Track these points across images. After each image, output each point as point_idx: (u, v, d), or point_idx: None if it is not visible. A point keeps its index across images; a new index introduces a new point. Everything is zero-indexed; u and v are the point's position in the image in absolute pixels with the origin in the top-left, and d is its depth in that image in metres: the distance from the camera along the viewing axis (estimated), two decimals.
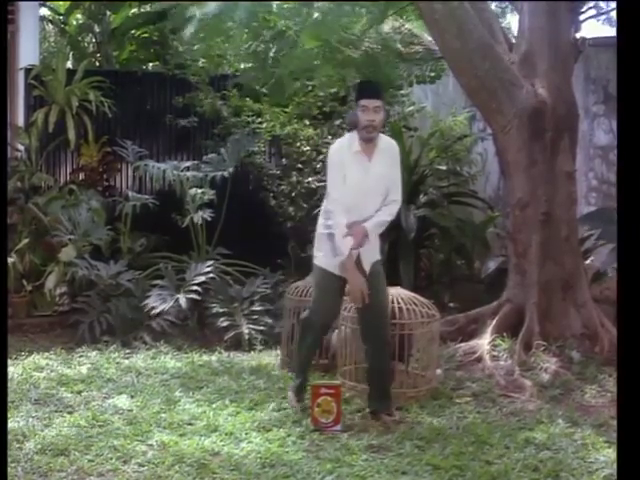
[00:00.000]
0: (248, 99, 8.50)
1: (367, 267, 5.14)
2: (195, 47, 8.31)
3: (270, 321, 6.95)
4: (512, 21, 8.61)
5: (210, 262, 7.40)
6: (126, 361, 6.35)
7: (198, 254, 7.75)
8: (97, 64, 9.85)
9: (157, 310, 6.86)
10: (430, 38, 7.84)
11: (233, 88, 8.51)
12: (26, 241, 7.32)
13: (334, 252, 5.10)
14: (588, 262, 7.09)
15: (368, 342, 5.25)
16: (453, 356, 6.30)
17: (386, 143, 5.21)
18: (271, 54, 7.46)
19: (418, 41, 8.41)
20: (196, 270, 7.21)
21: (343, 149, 5.15)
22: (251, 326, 6.82)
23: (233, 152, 8.05)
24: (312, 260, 5.34)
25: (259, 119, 8.53)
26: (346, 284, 5.16)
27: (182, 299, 6.91)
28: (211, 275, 7.22)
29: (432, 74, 8.24)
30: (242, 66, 8.62)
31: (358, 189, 5.06)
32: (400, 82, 8.63)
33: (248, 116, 8.50)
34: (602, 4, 7.41)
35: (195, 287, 7.01)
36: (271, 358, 6.49)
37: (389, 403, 5.20)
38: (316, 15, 6.86)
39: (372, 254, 5.19)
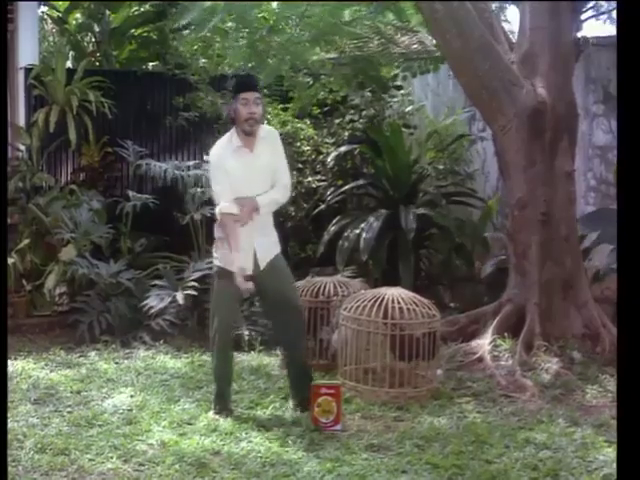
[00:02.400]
0: None
1: (263, 264, 5.14)
2: (195, 47, 8.35)
3: (269, 322, 6.94)
4: (512, 21, 8.58)
5: (209, 259, 7.39)
6: (126, 361, 6.36)
7: (198, 254, 7.75)
8: (97, 64, 9.85)
9: (155, 309, 6.86)
10: (427, 34, 7.87)
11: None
12: (27, 241, 7.32)
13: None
14: (588, 262, 7.10)
15: (284, 343, 5.36)
16: (454, 356, 6.29)
17: (266, 132, 5.23)
18: (270, 50, 7.46)
19: (416, 37, 8.43)
20: (194, 268, 7.21)
21: (224, 148, 5.15)
22: (251, 327, 6.81)
23: None
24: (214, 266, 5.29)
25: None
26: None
27: (179, 295, 6.90)
28: (209, 273, 7.21)
29: (431, 66, 8.24)
30: (241, 64, 8.60)
31: (244, 183, 5.06)
32: (398, 74, 8.65)
33: None
34: (603, 4, 7.39)
35: (192, 283, 7.01)
36: (271, 358, 6.49)
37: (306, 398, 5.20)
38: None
39: (269, 248, 5.20)
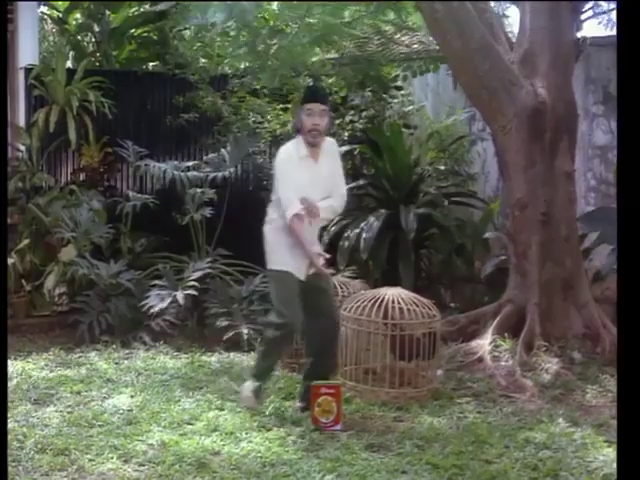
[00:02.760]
0: (248, 96, 8.50)
1: (312, 270, 5.15)
2: (195, 47, 8.35)
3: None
4: (513, 21, 8.59)
5: (209, 259, 7.40)
6: (125, 361, 6.36)
7: (198, 254, 7.75)
8: (97, 64, 9.85)
9: (155, 309, 6.86)
10: (427, 34, 7.87)
11: (235, 90, 8.50)
12: (26, 241, 7.32)
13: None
14: (589, 262, 7.10)
15: (313, 352, 5.34)
16: (454, 356, 6.30)
17: (328, 143, 5.28)
18: (271, 52, 7.47)
19: (416, 37, 8.44)
20: (194, 268, 7.21)
21: (291, 154, 5.18)
22: (250, 326, 6.81)
23: (234, 153, 8.05)
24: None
25: (260, 118, 8.53)
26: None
27: (179, 295, 6.91)
28: (208, 271, 7.22)
29: (431, 66, 8.25)
30: (242, 65, 8.62)
31: (308, 191, 5.10)
32: (398, 74, 8.65)
33: (249, 114, 8.49)
34: (602, 4, 7.39)
35: (193, 282, 7.01)
36: None
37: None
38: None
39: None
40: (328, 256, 5.26)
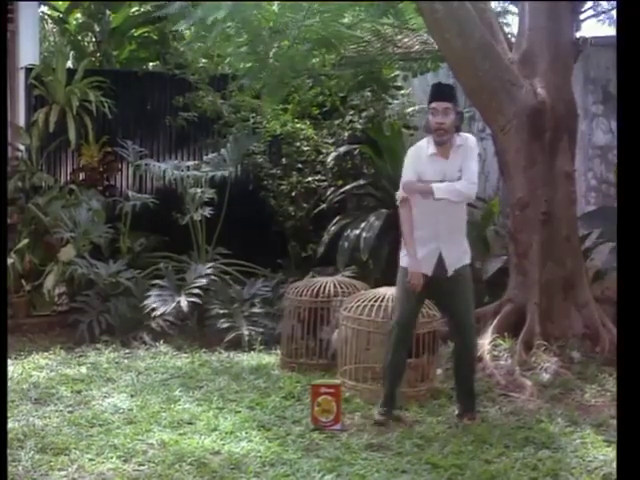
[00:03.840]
0: (247, 97, 8.51)
1: (451, 270, 5.09)
2: (195, 47, 8.34)
3: (270, 323, 6.94)
4: (513, 21, 8.59)
5: (211, 264, 7.41)
6: (126, 361, 6.36)
7: (198, 254, 7.76)
8: (97, 64, 9.85)
9: (158, 312, 6.86)
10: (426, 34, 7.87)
11: (236, 91, 8.50)
12: (26, 241, 7.32)
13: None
14: (590, 262, 7.10)
15: (455, 352, 5.35)
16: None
17: (462, 139, 5.17)
18: (271, 53, 7.47)
19: (416, 38, 8.43)
20: (196, 272, 7.21)
21: (419, 151, 5.17)
22: (251, 327, 6.82)
23: (233, 152, 8.06)
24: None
25: (259, 117, 8.54)
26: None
27: (183, 302, 6.90)
28: (212, 277, 7.22)
29: (429, 66, 8.24)
30: (242, 65, 8.62)
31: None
32: (398, 74, 8.64)
33: (248, 115, 8.50)
34: (602, 3, 7.40)
35: (196, 290, 7.01)
36: (271, 358, 6.49)
37: (471, 404, 5.23)
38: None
39: (458, 256, 5.13)
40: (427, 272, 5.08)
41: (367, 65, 8.39)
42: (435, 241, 5.07)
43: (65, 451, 4.55)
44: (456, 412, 5.23)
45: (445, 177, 5.07)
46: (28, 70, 8.05)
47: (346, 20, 7.70)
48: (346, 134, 8.72)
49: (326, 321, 6.27)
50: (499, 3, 8.36)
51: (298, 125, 8.59)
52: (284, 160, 8.69)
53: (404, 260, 5.16)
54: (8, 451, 4.32)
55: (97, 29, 10.07)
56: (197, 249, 7.79)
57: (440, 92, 5.18)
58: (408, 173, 5.13)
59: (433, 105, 5.08)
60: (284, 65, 7.42)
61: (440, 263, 5.08)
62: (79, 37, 10.32)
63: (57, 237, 7.32)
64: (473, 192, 5.15)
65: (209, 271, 7.25)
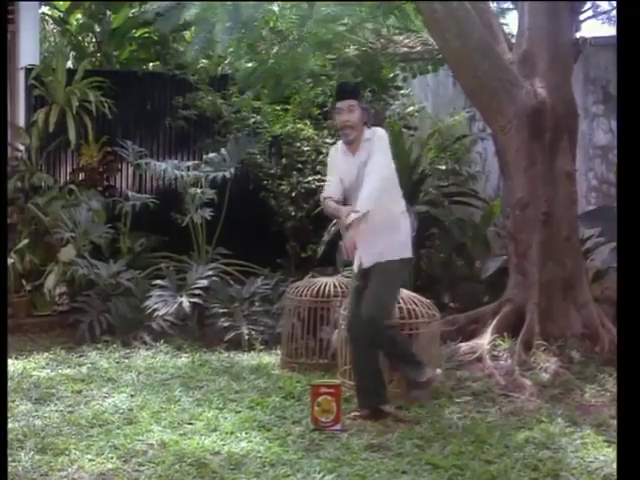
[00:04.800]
0: (247, 96, 8.50)
1: (366, 262, 5.14)
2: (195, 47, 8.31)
3: (270, 322, 6.95)
4: (512, 21, 8.59)
5: (212, 265, 7.41)
6: (126, 361, 6.36)
7: (198, 254, 7.75)
8: (97, 64, 9.86)
9: (160, 313, 6.86)
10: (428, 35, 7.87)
11: (237, 93, 8.50)
12: (26, 241, 7.32)
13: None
14: (590, 262, 7.10)
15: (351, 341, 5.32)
16: (453, 356, 6.30)
17: (370, 133, 5.15)
18: (272, 53, 7.47)
19: (417, 39, 8.43)
20: (197, 273, 7.21)
21: (336, 152, 5.31)
22: (251, 327, 6.82)
23: (233, 153, 8.06)
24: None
25: (259, 118, 8.53)
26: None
27: (185, 303, 6.90)
28: (213, 278, 7.22)
29: (429, 67, 8.24)
30: (242, 66, 8.62)
31: (350, 186, 5.14)
32: (398, 74, 8.63)
33: (248, 115, 8.50)
34: (602, 4, 7.40)
35: (197, 291, 7.01)
36: (271, 358, 6.49)
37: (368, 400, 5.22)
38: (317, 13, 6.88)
39: (370, 254, 5.14)
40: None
41: (367, 65, 8.39)
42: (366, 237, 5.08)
43: (65, 451, 4.55)
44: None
45: (358, 174, 5.09)
46: (28, 70, 8.05)
47: (347, 21, 7.69)
48: None
49: (326, 321, 6.27)
50: (499, 3, 8.35)
51: (298, 125, 8.58)
52: (284, 160, 8.69)
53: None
54: (8, 451, 4.32)
55: (97, 30, 10.08)
56: (197, 249, 7.79)
57: (343, 91, 5.26)
58: (329, 183, 5.23)
59: (338, 105, 5.13)
60: (284, 66, 7.41)
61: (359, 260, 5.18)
62: (79, 37, 10.33)
63: (57, 237, 7.32)
64: (370, 205, 5.01)
65: (210, 272, 7.25)
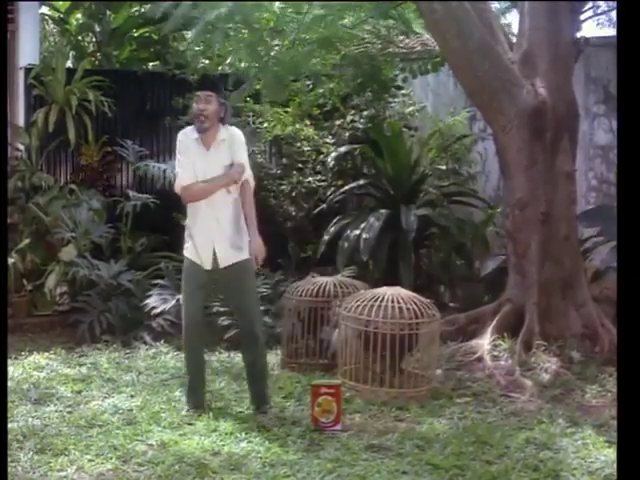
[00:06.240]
0: (248, 99, 8.50)
1: (223, 264, 5.15)
2: (196, 48, 8.33)
3: (270, 321, 6.94)
4: (513, 21, 8.60)
5: None
6: (126, 361, 6.36)
7: None
8: (97, 64, 9.85)
9: (158, 310, 6.86)
10: (428, 35, 7.87)
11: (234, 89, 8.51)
12: (27, 241, 7.32)
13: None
14: (589, 262, 7.10)
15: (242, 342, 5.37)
16: (453, 356, 6.30)
17: (228, 134, 5.24)
18: (272, 53, 7.46)
19: (417, 39, 8.43)
20: None
21: (186, 136, 5.24)
22: None
23: None
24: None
25: (260, 119, 8.53)
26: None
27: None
28: None
29: (429, 67, 8.23)
30: (242, 65, 8.61)
31: (200, 174, 5.12)
32: (398, 74, 8.63)
33: (248, 116, 8.50)
34: (602, 4, 7.39)
35: None
36: (271, 358, 6.47)
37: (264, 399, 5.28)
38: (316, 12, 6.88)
39: (228, 251, 5.16)
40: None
41: (367, 65, 8.39)
42: (209, 235, 5.13)
43: (64, 452, 4.55)
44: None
45: (207, 167, 5.12)
46: (28, 70, 8.05)
47: (347, 21, 7.70)
48: (347, 134, 8.72)
49: (326, 321, 6.27)
50: (499, 3, 8.35)
51: (298, 125, 8.58)
52: (284, 160, 8.69)
53: (188, 250, 5.21)
54: (8, 451, 4.31)
55: (97, 29, 10.07)
56: None
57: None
58: (186, 168, 5.13)
59: (197, 93, 5.27)
60: (284, 66, 7.41)
61: (215, 257, 5.15)
62: (79, 37, 10.32)
63: (58, 237, 7.32)
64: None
65: None
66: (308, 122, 8.69)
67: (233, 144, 5.21)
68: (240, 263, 5.19)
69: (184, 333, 5.26)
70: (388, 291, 5.74)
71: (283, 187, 8.51)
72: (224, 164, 5.15)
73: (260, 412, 5.18)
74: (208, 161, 5.14)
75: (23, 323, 7.17)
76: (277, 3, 7.84)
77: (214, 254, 5.14)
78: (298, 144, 8.57)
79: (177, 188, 5.19)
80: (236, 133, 5.30)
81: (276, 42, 7.59)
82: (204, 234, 5.13)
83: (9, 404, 5.13)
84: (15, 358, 6.29)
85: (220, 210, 5.14)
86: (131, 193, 7.96)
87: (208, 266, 5.14)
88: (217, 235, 5.13)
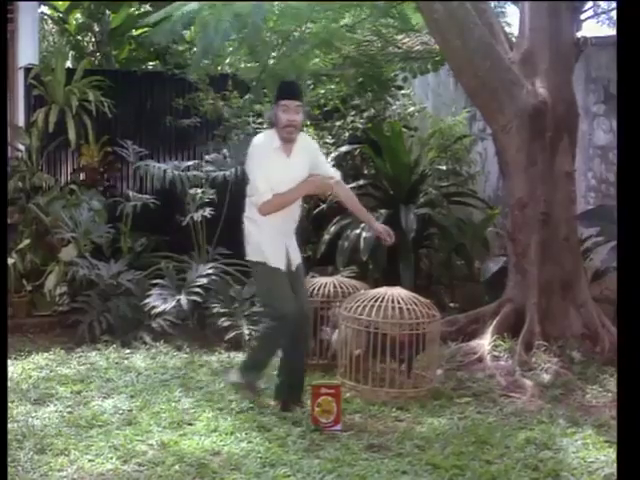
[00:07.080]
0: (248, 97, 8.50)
1: (294, 265, 5.27)
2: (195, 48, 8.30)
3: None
4: (513, 20, 8.59)
5: (212, 264, 7.40)
6: (126, 361, 6.35)
7: (199, 254, 7.75)
8: (97, 63, 9.85)
9: (158, 310, 6.86)
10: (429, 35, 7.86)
11: (234, 89, 8.50)
12: (27, 241, 7.32)
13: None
14: (589, 262, 7.10)
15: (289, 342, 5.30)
16: (454, 356, 6.29)
17: (304, 141, 5.29)
18: (272, 54, 7.46)
19: (417, 39, 8.42)
20: (198, 272, 7.21)
21: (265, 146, 5.17)
22: (251, 327, 6.80)
23: (234, 152, 8.04)
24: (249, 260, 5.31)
25: (260, 119, 8.52)
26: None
27: (183, 300, 6.91)
28: (213, 277, 7.22)
29: (429, 66, 8.23)
30: (242, 65, 8.62)
31: (280, 185, 5.10)
32: (398, 74, 8.62)
33: (248, 116, 8.50)
34: (602, 3, 7.39)
35: (197, 289, 7.02)
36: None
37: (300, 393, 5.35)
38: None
39: (296, 252, 5.38)
40: None
41: (367, 65, 8.39)
42: (283, 239, 5.24)
43: (64, 452, 4.55)
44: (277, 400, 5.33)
45: (288, 174, 5.12)
46: (27, 70, 8.05)
47: (347, 20, 7.69)
48: (347, 134, 8.71)
49: (326, 321, 6.26)
50: (499, 3, 8.34)
51: None
52: None
53: (260, 255, 5.19)
54: (8, 452, 4.31)
55: (97, 29, 10.07)
56: (198, 249, 7.79)
57: (293, 90, 5.26)
58: (262, 184, 5.08)
59: (285, 102, 5.10)
60: (285, 66, 7.41)
61: (288, 259, 5.25)
62: (79, 37, 10.32)
63: (58, 237, 7.32)
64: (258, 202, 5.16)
65: (210, 271, 7.25)
66: (308, 122, 8.68)
67: (313, 151, 5.29)
68: (301, 264, 5.36)
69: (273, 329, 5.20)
70: (388, 291, 5.74)
71: None
72: (304, 171, 5.17)
73: (298, 405, 5.26)
74: (288, 169, 5.14)
75: (23, 323, 7.17)
76: (277, 3, 7.84)
77: (287, 256, 5.23)
78: None
79: (257, 203, 5.11)
80: (308, 138, 5.42)
81: (276, 42, 7.58)
82: (279, 238, 5.20)
83: (9, 404, 5.13)
84: (15, 358, 6.29)
85: (292, 215, 5.30)
86: (131, 193, 7.96)
87: (284, 268, 5.20)
88: (289, 238, 5.30)
